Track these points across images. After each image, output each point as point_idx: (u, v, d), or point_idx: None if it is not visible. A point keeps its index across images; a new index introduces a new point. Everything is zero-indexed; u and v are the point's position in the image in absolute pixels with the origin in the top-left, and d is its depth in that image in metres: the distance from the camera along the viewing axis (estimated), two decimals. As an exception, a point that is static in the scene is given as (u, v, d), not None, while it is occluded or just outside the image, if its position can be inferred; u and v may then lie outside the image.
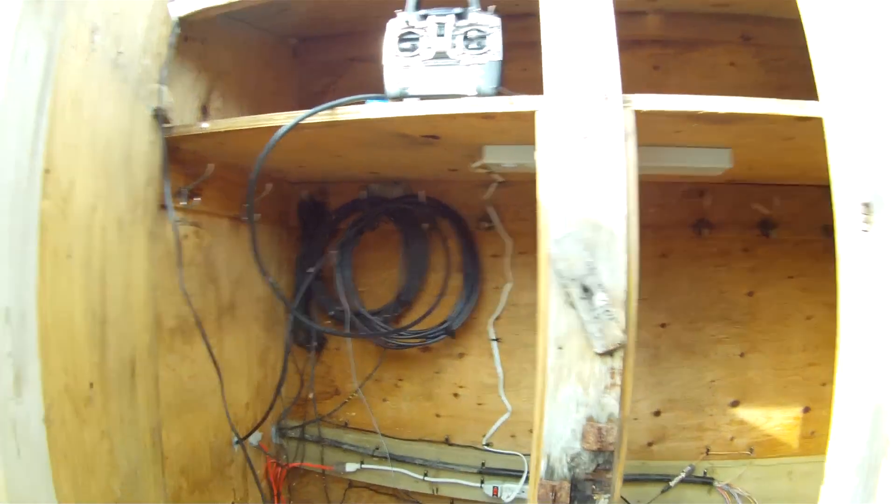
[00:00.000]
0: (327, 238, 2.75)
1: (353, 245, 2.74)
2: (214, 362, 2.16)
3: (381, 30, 2.36)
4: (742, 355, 2.46)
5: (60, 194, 1.57)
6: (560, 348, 1.49)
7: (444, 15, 1.77)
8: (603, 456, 1.47)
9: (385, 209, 2.69)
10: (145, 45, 1.89)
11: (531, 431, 2.39)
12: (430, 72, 1.76)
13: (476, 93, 1.72)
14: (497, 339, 2.63)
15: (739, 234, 2.46)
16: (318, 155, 2.25)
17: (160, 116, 1.94)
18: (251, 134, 1.90)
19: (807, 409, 2.42)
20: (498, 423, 2.61)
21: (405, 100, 1.76)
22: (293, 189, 2.81)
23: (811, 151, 1.72)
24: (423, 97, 1.75)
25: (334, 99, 1.79)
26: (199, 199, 2.21)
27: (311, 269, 2.70)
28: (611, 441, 1.45)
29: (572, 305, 1.48)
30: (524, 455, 2.55)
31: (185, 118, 2.13)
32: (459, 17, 1.76)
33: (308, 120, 1.78)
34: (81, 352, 1.64)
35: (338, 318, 2.69)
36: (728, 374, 2.47)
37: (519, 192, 2.60)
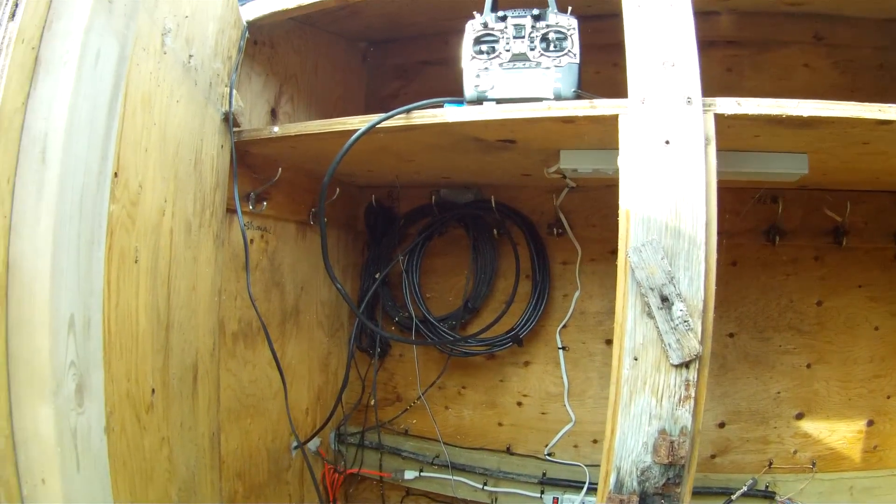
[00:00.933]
0: (395, 243, 2.71)
1: (422, 251, 2.70)
2: (279, 368, 2.11)
3: (453, 32, 2.34)
4: (809, 366, 2.39)
5: (129, 197, 1.53)
6: (635, 359, 1.45)
7: (523, 16, 1.72)
8: (673, 470, 1.43)
9: (455, 215, 2.65)
10: (216, 48, 1.87)
11: (594, 442, 2.46)
12: (509, 74, 1.72)
13: (555, 96, 1.67)
14: (564, 348, 2.57)
15: (811, 241, 2.39)
16: (389, 159, 2.21)
17: (230, 120, 1.91)
18: (323, 138, 1.88)
19: (871, 423, 2.34)
20: (561, 433, 2.55)
21: (484, 103, 1.71)
22: (361, 193, 2.78)
23: (887, 156, 1.81)
24: (501, 100, 1.70)
25: (405, 103, 1.75)
26: (267, 203, 2.17)
27: (378, 275, 2.65)
28: (682, 455, 1.41)
29: (650, 315, 1.44)
30: (587, 466, 2.49)
31: (255, 122, 2.12)
32: (537, 18, 1.72)
33: (384, 124, 1.74)
34: (145, 357, 1.61)
35: (403, 324, 2.66)
36: (794, 385, 2.40)
37: (590, 199, 2.55)
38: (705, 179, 1.46)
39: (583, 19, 1.73)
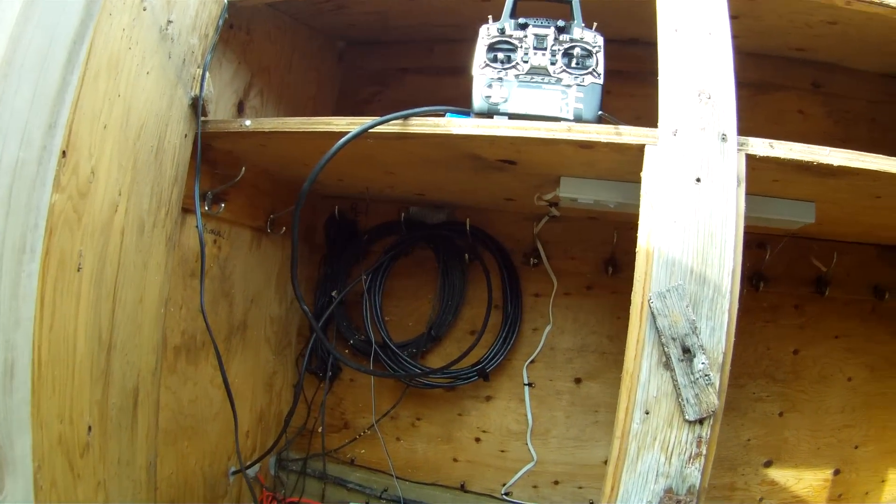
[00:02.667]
0: (356, 260, 2.50)
1: (387, 271, 2.49)
2: (228, 388, 1.85)
3: (441, 40, 2.22)
4: (781, 414, 2.34)
5: (78, 186, 1.25)
6: (647, 413, 1.33)
7: (546, 27, 1.55)
8: None
9: (425, 235, 2.45)
10: (195, 20, 1.62)
11: (555, 483, 2.43)
12: (525, 88, 1.54)
13: (575, 118, 1.49)
14: (530, 384, 2.41)
15: (794, 289, 2.34)
16: (367, 169, 2.01)
17: (199, 107, 1.67)
18: (301, 138, 1.68)
19: (837, 472, 2.31)
20: (521, 473, 2.39)
21: (494, 117, 1.52)
22: (323, 203, 2.55)
23: (890, 211, 1.77)
24: (514, 116, 1.52)
25: (379, 110, 1.58)
26: (224, 205, 1.93)
27: (335, 293, 2.43)
28: None
29: (667, 367, 1.32)
30: (545, 508, 2.36)
31: (220, 114, 1.90)
32: (561, 31, 1.55)
33: (377, 129, 1.55)
34: (82, 390, 1.34)
35: (358, 347, 2.44)
36: (765, 433, 2.34)
37: (570, 229, 2.41)
38: (735, 223, 1.36)
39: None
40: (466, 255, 2.44)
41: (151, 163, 1.53)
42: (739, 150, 1.40)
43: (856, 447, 2.32)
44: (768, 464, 2.34)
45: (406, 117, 1.57)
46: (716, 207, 1.36)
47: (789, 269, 2.32)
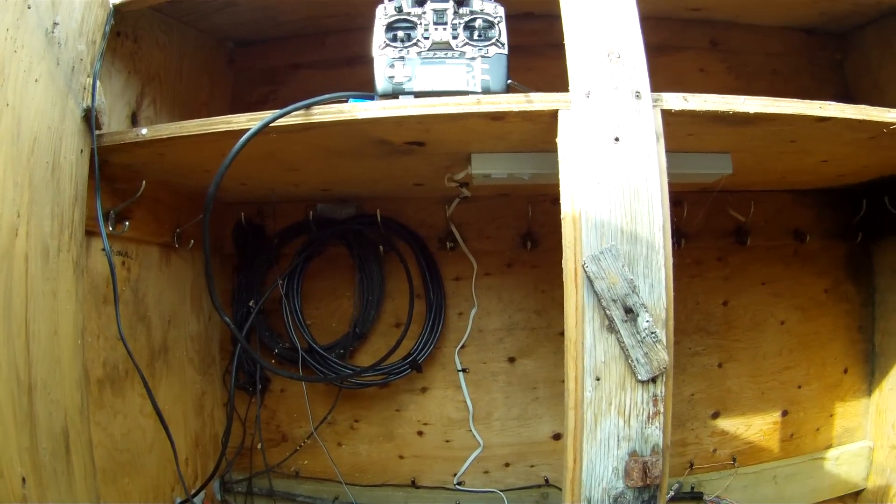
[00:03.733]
0: (268, 266, 2.42)
1: (302, 273, 2.41)
2: (160, 415, 1.75)
3: (330, 32, 2.15)
4: (720, 366, 2.40)
5: None
6: (598, 379, 1.31)
7: (445, 1, 1.51)
8: (648, 492, 1.32)
9: (336, 231, 2.37)
10: (81, 25, 1.52)
11: (506, 465, 2.42)
12: (429, 66, 1.50)
13: (483, 90, 1.46)
14: (464, 370, 2.38)
15: (715, 242, 2.39)
16: (270, 168, 1.93)
17: (92, 119, 1.56)
18: (200, 141, 1.60)
19: (785, 413, 2.40)
20: (470, 460, 2.37)
21: (400, 97, 1.47)
22: (228, 211, 2.44)
23: (805, 154, 1.84)
24: (420, 94, 1.47)
25: (276, 108, 1.54)
26: (129, 223, 1.82)
27: (252, 303, 2.33)
28: (656, 475, 1.31)
29: (611, 330, 1.31)
30: (502, 491, 2.36)
31: (113, 127, 1.79)
32: (460, 3, 1.51)
33: (279, 122, 1.48)
34: (8, 439, 1.24)
35: (284, 356, 2.36)
36: (707, 386, 2.39)
37: (483, 209, 2.40)
38: (659, 179, 1.36)
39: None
40: (381, 248, 2.39)
41: (49, 180, 1.42)
42: (654, 105, 1.39)
43: (799, 387, 2.42)
44: (715, 415, 2.40)
45: (308, 106, 1.51)
46: (638, 165, 1.35)
47: (708, 223, 2.35)
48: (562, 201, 1.39)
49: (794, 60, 2.38)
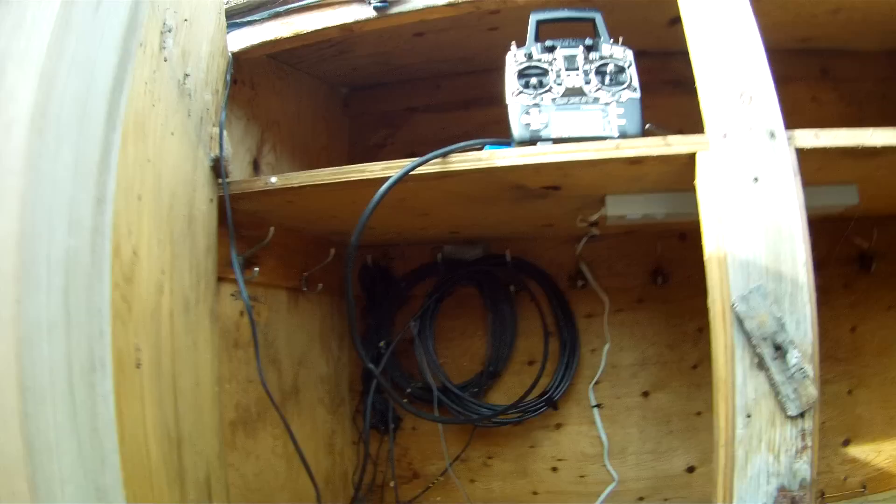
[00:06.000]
0: (397, 308, 2.44)
1: (434, 314, 2.42)
2: (298, 449, 1.78)
3: (445, 75, 2.18)
4: (849, 392, 2.29)
5: (122, 271, 1.10)
6: (748, 416, 1.29)
7: (574, 47, 1.52)
8: None
9: (464, 273, 2.39)
10: (207, 74, 1.54)
11: (640, 500, 2.33)
12: (564, 111, 1.49)
13: (620, 134, 1.46)
14: (598, 405, 2.35)
15: (840, 269, 2.31)
16: (400, 214, 1.94)
17: (222, 168, 1.59)
18: (333, 189, 1.61)
19: None
20: (604, 495, 2.31)
21: (538, 143, 1.48)
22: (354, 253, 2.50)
23: None
24: (558, 140, 1.47)
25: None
26: (258, 269, 1.85)
27: (383, 344, 2.36)
28: None
29: (761, 367, 1.29)
30: (634, 524, 2.29)
31: (236, 174, 1.82)
32: (590, 49, 1.51)
33: (417, 170, 1.48)
34: (163, 499, 1.21)
35: (417, 395, 2.36)
36: (837, 413, 2.29)
37: (611, 247, 2.37)
38: (800, 216, 1.35)
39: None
40: (511, 287, 2.38)
41: (186, 233, 1.43)
42: (789, 143, 1.38)
43: None
44: (846, 443, 2.31)
45: (446, 154, 1.51)
46: (778, 203, 1.35)
47: (832, 251, 2.29)
48: (705, 243, 1.38)
49: None
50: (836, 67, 2.33)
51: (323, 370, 2.34)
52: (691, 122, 1.44)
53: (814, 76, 2.34)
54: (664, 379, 2.36)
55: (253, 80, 1.98)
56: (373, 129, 2.56)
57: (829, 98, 2.34)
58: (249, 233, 1.84)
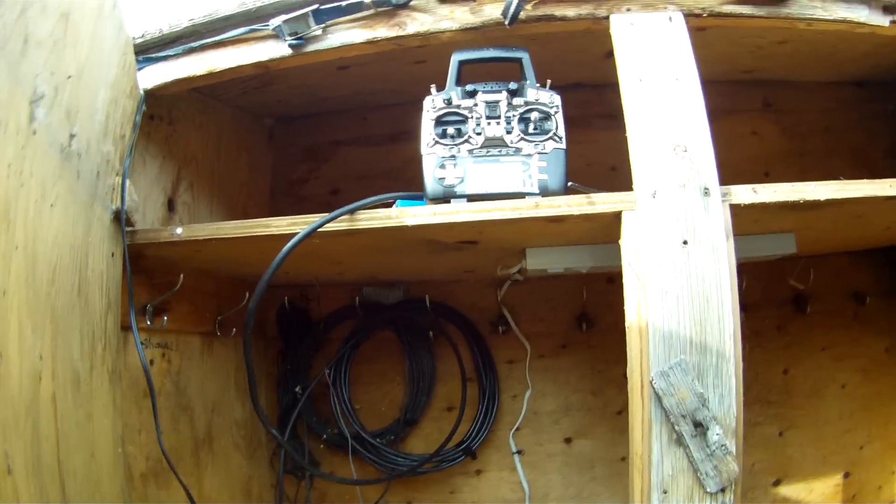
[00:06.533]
0: (314, 350, 2.35)
1: (349, 360, 2.34)
2: None
3: (373, 107, 2.10)
4: (780, 434, 2.30)
5: None
6: (665, 492, 1.25)
7: (497, 91, 1.44)
8: None
9: (383, 318, 2.32)
10: (106, 125, 1.42)
11: None
12: (482, 164, 1.43)
13: (541, 191, 1.39)
14: (519, 452, 2.30)
15: (773, 311, 2.31)
16: (312, 262, 1.87)
17: (122, 219, 1.49)
18: (239, 243, 1.54)
19: (847, 475, 2.28)
20: (526, 541, 2.26)
21: (452, 201, 1.40)
22: (271, 294, 2.37)
23: (872, 225, 1.78)
24: (472, 197, 1.40)
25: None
26: (167, 317, 1.75)
27: (299, 389, 2.27)
28: None
29: (680, 444, 1.25)
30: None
31: (149, 216, 1.75)
32: (514, 93, 1.44)
33: (323, 228, 1.41)
34: None
35: (332, 441, 2.29)
36: (768, 455, 2.29)
37: (534, 291, 2.33)
38: (730, 281, 1.30)
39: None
40: (430, 333, 2.32)
41: (75, 303, 1.32)
42: (724, 201, 1.34)
43: (861, 448, 2.30)
44: (777, 483, 2.31)
45: (353, 211, 1.43)
46: (707, 269, 1.30)
47: (767, 293, 2.29)
48: (626, 309, 1.33)
49: (845, 115, 2.31)
50: (780, 99, 2.33)
51: (239, 415, 2.23)
52: (628, 158, 1.39)
53: (756, 108, 2.33)
54: (588, 425, 2.32)
55: (172, 114, 1.88)
56: (298, 162, 2.48)
57: (771, 131, 2.33)
58: (161, 279, 1.75)
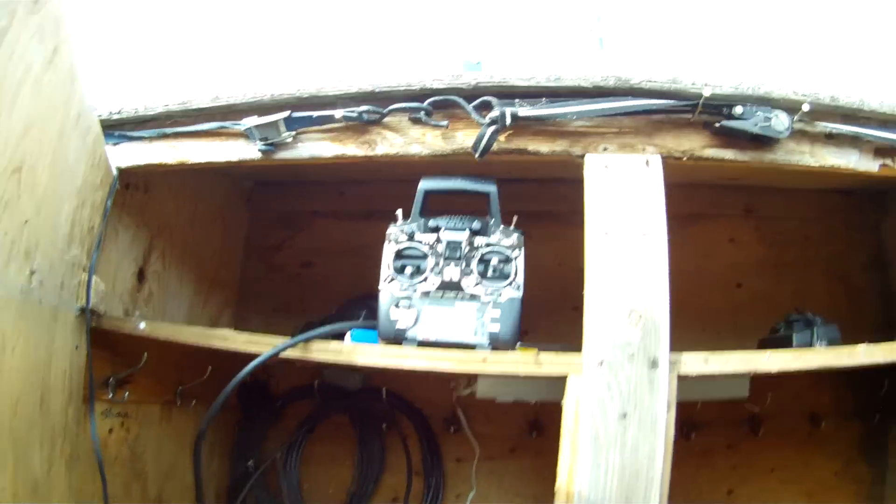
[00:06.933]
0: (270, 424, 2.36)
1: (302, 445, 2.34)
2: None
3: (352, 182, 2.23)
4: None
5: None
6: None
7: (460, 230, 1.46)
8: None
9: (340, 405, 2.33)
10: (72, 232, 1.45)
11: None
12: (436, 307, 1.45)
13: (491, 343, 1.41)
14: (457, 554, 2.27)
15: (725, 430, 2.27)
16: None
17: (87, 314, 1.53)
18: (196, 348, 1.63)
19: None
20: None
21: (403, 344, 1.43)
22: (235, 365, 2.26)
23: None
24: (423, 343, 1.42)
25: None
26: (129, 392, 1.79)
27: (251, 463, 2.29)
28: None
29: None
30: None
31: (118, 288, 1.78)
32: (476, 233, 1.46)
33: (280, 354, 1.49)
34: None
35: None
36: None
37: (490, 393, 2.32)
38: (662, 457, 1.31)
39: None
40: (384, 425, 2.33)
41: (36, 420, 1.35)
42: (672, 370, 1.33)
43: None
44: None
45: (308, 340, 1.49)
46: (641, 444, 1.30)
47: (722, 412, 2.24)
48: (558, 472, 1.35)
49: (828, 224, 2.29)
50: (762, 205, 2.30)
51: (190, 480, 2.19)
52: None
53: (737, 214, 2.31)
54: (526, 533, 2.29)
55: (147, 183, 1.89)
56: (273, 228, 2.49)
57: (749, 238, 2.31)
58: (125, 355, 1.78)
